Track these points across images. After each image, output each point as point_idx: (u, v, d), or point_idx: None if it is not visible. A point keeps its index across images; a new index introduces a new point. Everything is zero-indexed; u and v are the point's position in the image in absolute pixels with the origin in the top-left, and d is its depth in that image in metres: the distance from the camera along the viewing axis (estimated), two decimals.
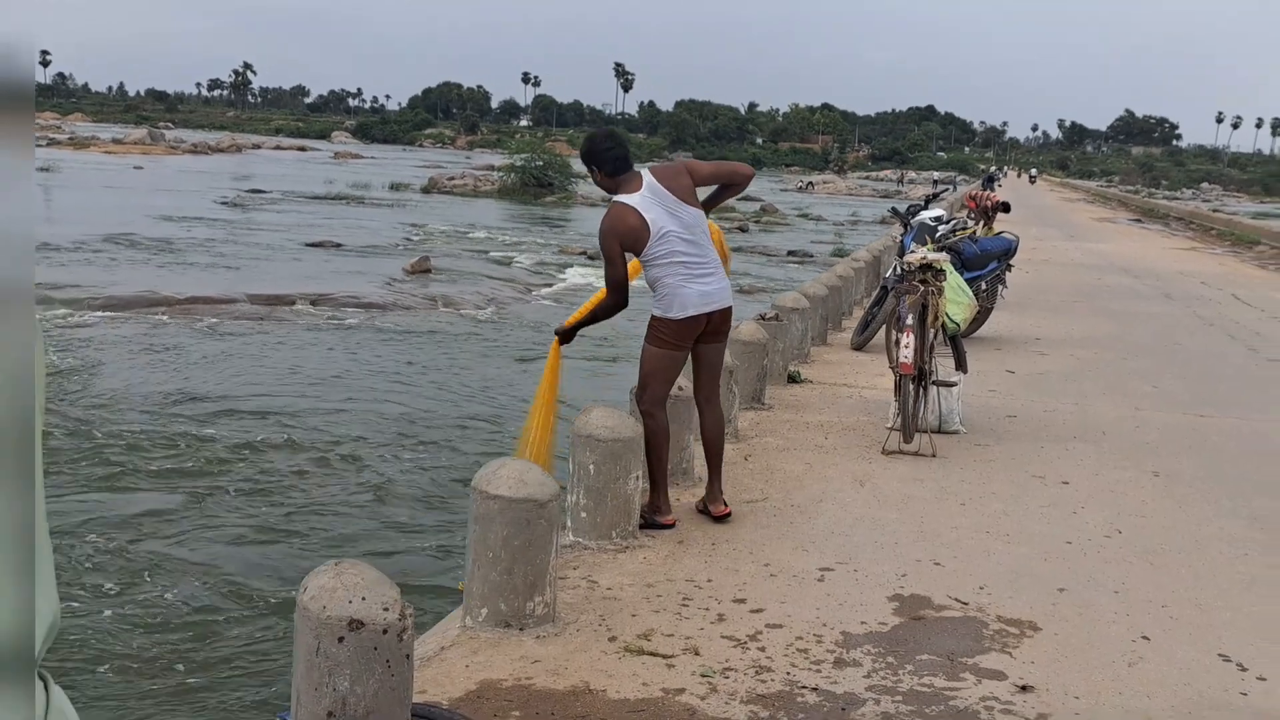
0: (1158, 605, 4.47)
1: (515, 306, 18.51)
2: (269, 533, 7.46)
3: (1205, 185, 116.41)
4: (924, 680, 3.72)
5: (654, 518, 5.07)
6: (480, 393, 11.95)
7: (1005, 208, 23.85)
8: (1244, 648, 4.11)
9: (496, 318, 17.16)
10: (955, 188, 41.07)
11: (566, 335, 5.43)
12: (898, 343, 6.51)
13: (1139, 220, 41.83)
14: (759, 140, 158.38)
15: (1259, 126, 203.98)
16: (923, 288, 6.63)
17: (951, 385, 6.99)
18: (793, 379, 8.59)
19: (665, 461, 5.15)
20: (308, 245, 25.14)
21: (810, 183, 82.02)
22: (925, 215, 13.47)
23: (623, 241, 4.95)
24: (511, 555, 3.93)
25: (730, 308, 5.13)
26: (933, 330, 6.87)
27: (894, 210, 11.66)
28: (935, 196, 14.05)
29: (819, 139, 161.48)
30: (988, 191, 24.31)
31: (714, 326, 5.07)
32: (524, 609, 3.96)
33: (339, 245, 25.62)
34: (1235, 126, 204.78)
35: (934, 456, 6.53)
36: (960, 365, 7.41)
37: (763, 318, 8.52)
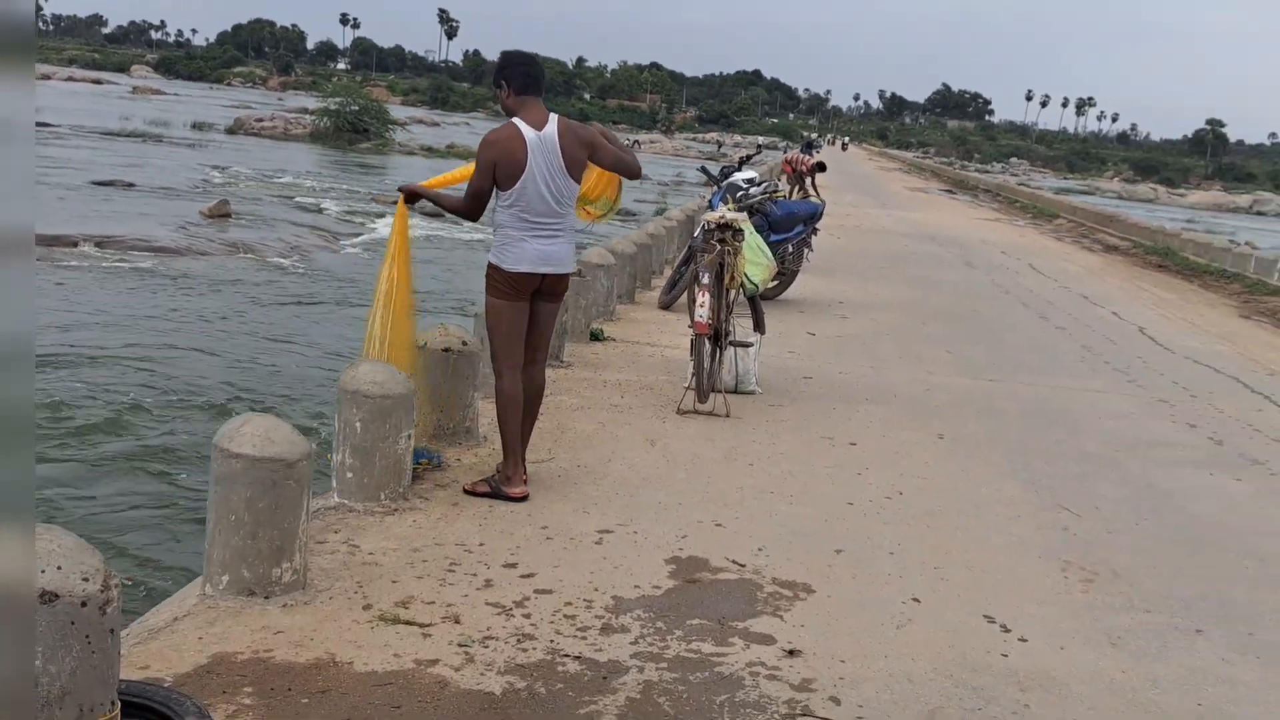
0: (931, 567, 4.49)
1: (321, 256, 17.74)
2: None
3: (1014, 160, 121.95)
4: (692, 646, 3.61)
5: (501, 488, 4.81)
6: (274, 344, 11.39)
7: (821, 167, 24.29)
8: (1009, 609, 4.15)
9: (300, 266, 16.42)
10: (760, 150, 41.58)
11: (411, 196, 5.08)
12: (693, 301, 6.40)
13: (950, 191, 43.39)
14: (586, 96, 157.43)
15: (1064, 106, 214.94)
16: (720, 247, 6.53)
17: (747, 346, 6.94)
18: (595, 336, 8.42)
19: (515, 426, 4.86)
20: (95, 184, 23.54)
21: (637, 141, 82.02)
22: (738, 177, 13.47)
23: (497, 163, 4.71)
24: (256, 518, 3.62)
25: (567, 275, 4.94)
26: (731, 291, 6.80)
27: (704, 170, 11.61)
28: (749, 159, 14.04)
29: (647, 98, 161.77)
30: (805, 155, 24.73)
31: (548, 287, 4.86)
32: (269, 575, 3.67)
33: (131, 185, 24.09)
34: (1044, 105, 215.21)
35: (727, 417, 6.47)
36: (758, 326, 7.38)
37: None
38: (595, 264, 9.11)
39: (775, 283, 11.17)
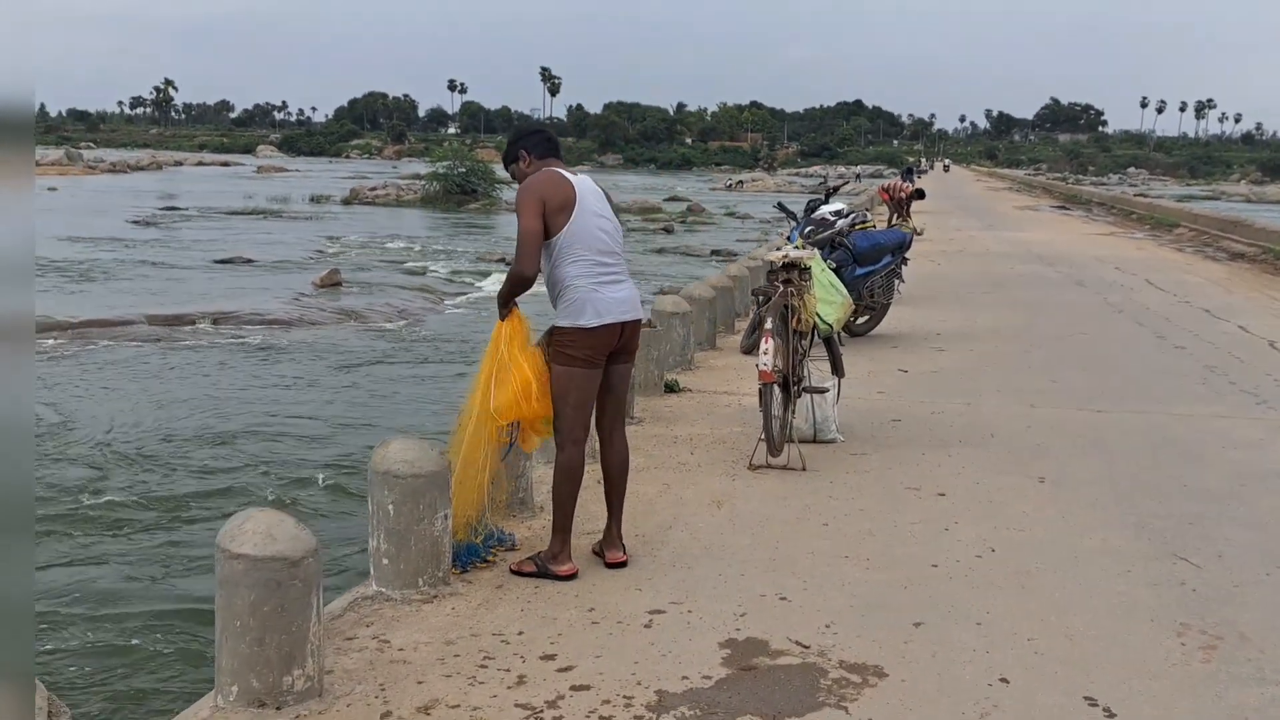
0: (1023, 639, 3.98)
1: (426, 317, 18.03)
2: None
3: (1132, 170, 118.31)
4: None
5: (548, 566, 4.48)
6: (367, 407, 11.34)
7: (919, 194, 23.68)
8: (1114, 687, 3.63)
9: (405, 330, 16.72)
10: (860, 178, 40.78)
11: (502, 309, 4.69)
12: (756, 348, 5.99)
13: (1063, 207, 42.00)
14: (688, 140, 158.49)
15: (1183, 110, 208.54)
16: (785, 288, 6.12)
17: (823, 392, 6.49)
18: (670, 389, 8.06)
19: (572, 504, 4.54)
20: (217, 262, 24.47)
21: (739, 181, 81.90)
22: (825, 209, 13.05)
23: (545, 200, 4.34)
24: (261, 623, 3.34)
25: (641, 320, 4.61)
26: (803, 334, 6.38)
27: (780, 206, 11.20)
28: (835, 190, 13.57)
29: (748, 137, 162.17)
30: (904, 183, 24.09)
31: (625, 341, 4.52)
32: (280, 684, 3.37)
33: (250, 261, 24.96)
34: (1160, 111, 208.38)
35: (803, 470, 6.03)
36: (836, 369, 6.93)
37: None
38: (670, 312, 8.78)
39: (866, 318, 10.71)
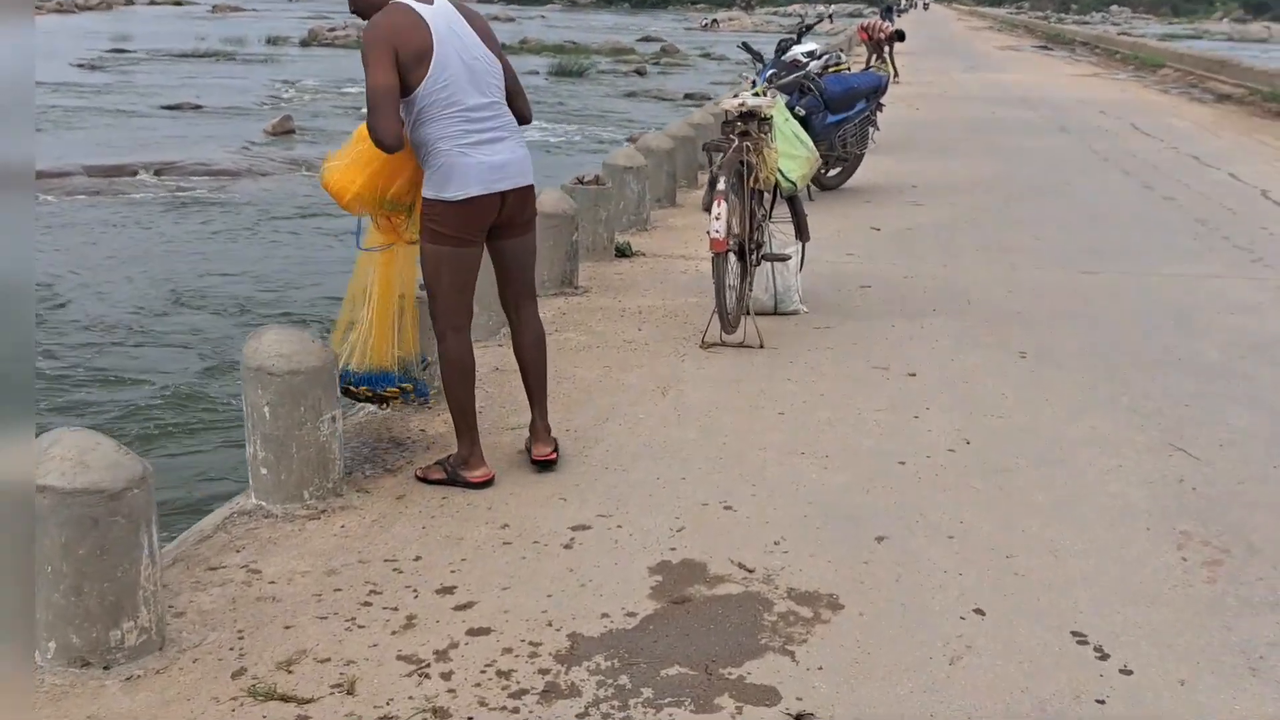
0: (1000, 556, 3.44)
1: None
2: None
3: (1114, 8, 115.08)
4: (662, 715, 2.65)
5: (459, 472, 3.87)
6: (319, 263, 10.62)
7: (899, 36, 22.51)
8: (1106, 618, 3.10)
9: None
10: (834, 18, 39.17)
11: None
12: (708, 211, 5.30)
13: (1045, 46, 40.65)
14: None
15: None
16: (739, 142, 5.39)
17: (784, 259, 5.83)
18: (621, 253, 7.38)
19: (469, 399, 3.88)
20: (164, 108, 23.17)
21: (714, 20, 79.18)
22: (797, 50, 12.16)
23: (395, 47, 3.56)
24: (77, 569, 2.74)
25: (530, 186, 3.83)
26: (759, 192, 5.69)
27: (745, 46, 10.31)
28: (808, 29, 12.62)
29: None
30: (883, 22, 22.93)
31: (509, 213, 3.77)
32: (106, 640, 2.79)
33: (199, 107, 23.67)
34: None
35: (761, 348, 5.41)
36: (800, 232, 6.24)
37: (579, 181, 7.25)
38: (622, 166, 8.04)
39: (837, 170, 9.99)
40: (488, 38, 3.75)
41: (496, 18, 73.91)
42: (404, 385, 4.23)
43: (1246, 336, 5.82)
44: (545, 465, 3.97)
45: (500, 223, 3.80)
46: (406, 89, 3.60)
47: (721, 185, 5.27)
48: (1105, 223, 8.77)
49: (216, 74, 31.88)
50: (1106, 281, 6.92)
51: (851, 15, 71.60)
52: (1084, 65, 30.26)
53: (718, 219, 5.17)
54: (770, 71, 9.04)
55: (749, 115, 5.60)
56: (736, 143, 5.38)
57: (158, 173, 15.57)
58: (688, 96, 27.97)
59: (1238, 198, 9.90)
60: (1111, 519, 3.70)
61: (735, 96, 5.75)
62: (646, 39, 51.92)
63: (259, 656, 2.87)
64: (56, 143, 17.88)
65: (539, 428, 4.03)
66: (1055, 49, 39.06)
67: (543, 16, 79.76)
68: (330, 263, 10.82)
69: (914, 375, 5.10)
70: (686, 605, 3.13)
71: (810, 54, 11.80)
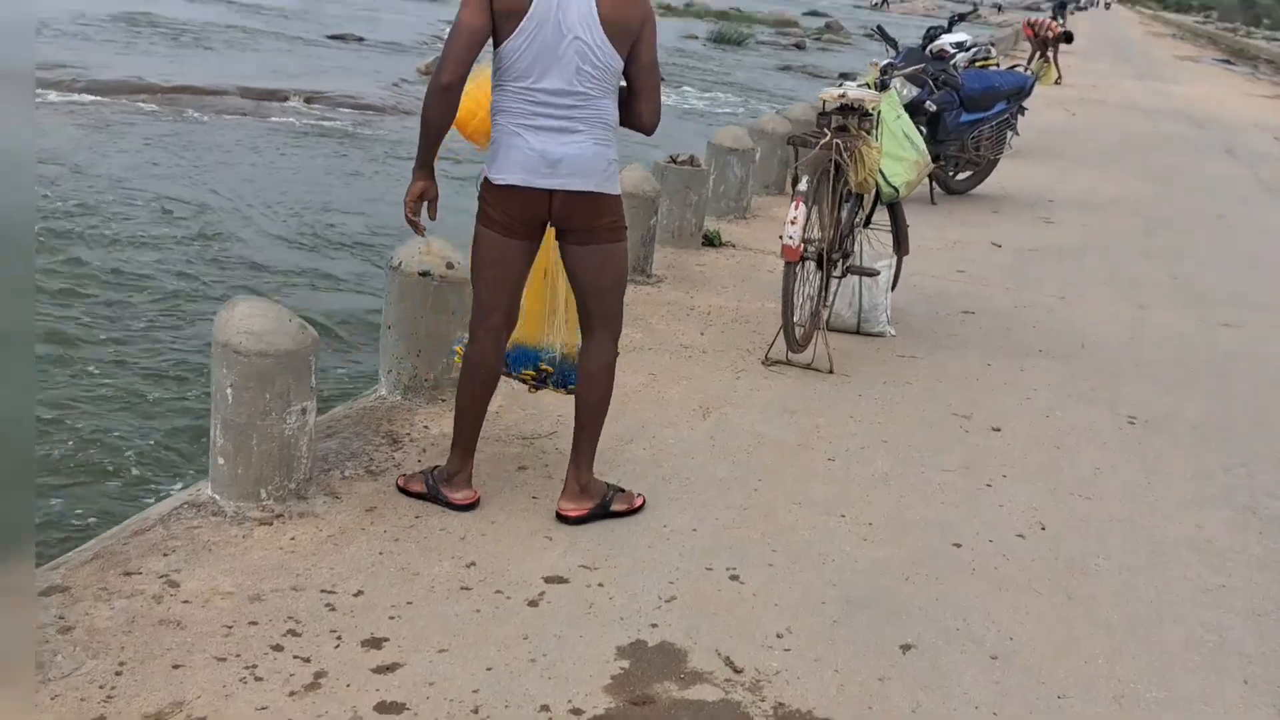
0: (1052, 693, 2.80)
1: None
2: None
3: None
4: None
5: (440, 489, 3.38)
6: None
7: (1068, 38, 21.25)
8: None
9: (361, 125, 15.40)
10: (1001, 8, 37.32)
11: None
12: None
13: (1227, 60, 38.24)
14: None
15: None
16: (831, 139, 4.74)
17: (871, 274, 5.18)
18: (709, 241, 6.79)
19: (474, 409, 3.37)
20: (330, 37, 23.40)
21: (886, 2, 77.16)
22: (946, 39, 11.38)
23: None
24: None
25: (589, 194, 3.17)
26: (856, 196, 5.05)
27: (880, 30, 9.54)
28: (961, 18, 11.75)
29: None
30: (1052, 21, 21.63)
31: (561, 218, 3.21)
32: None
33: (361, 39, 23.90)
34: None
35: (830, 373, 4.80)
36: (898, 244, 5.58)
37: (672, 160, 6.68)
38: (727, 148, 7.43)
39: (968, 174, 9.22)
40: (616, 23, 3.09)
41: None
42: (544, 368, 3.79)
43: None
44: (565, 521, 3.36)
45: (561, 226, 3.26)
46: (497, 40, 3.12)
47: (803, 186, 4.64)
48: (1259, 266, 7.84)
49: (381, 6, 32.04)
50: (1248, 339, 6.08)
51: (1027, 8, 68.93)
52: (1265, 84, 28.28)
53: (793, 223, 4.55)
54: (900, 61, 8.31)
55: (848, 109, 4.95)
56: (827, 138, 4.73)
57: (308, 100, 15.72)
58: (841, 75, 27.00)
59: None
60: (1200, 659, 3.02)
61: (839, 86, 5.09)
62: (813, 13, 50.62)
63: (127, 703, 2.42)
64: (222, 62, 18.11)
65: (572, 475, 3.40)
66: (1238, 64, 36.70)
67: None
68: (448, 211, 10.46)
69: (998, 430, 4.43)
70: (647, 708, 2.58)
71: (959, 45, 11.00)
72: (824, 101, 5.02)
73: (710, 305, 5.63)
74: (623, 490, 3.45)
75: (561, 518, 3.32)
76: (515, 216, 3.20)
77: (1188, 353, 5.73)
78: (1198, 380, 5.31)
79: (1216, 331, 6.16)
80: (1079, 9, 78.18)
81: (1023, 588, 3.27)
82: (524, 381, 3.87)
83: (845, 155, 4.75)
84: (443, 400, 4.06)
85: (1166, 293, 6.85)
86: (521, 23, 3.06)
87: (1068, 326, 5.92)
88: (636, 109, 3.26)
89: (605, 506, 3.36)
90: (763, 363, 4.84)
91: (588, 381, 3.38)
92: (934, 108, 8.34)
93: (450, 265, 3.99)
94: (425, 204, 3.29)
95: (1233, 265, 7.78)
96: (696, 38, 31.83)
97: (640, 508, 3.43)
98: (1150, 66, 29.63)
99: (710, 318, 5.43)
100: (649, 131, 3.31)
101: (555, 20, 3.06)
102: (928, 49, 11.38)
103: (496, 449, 3.74)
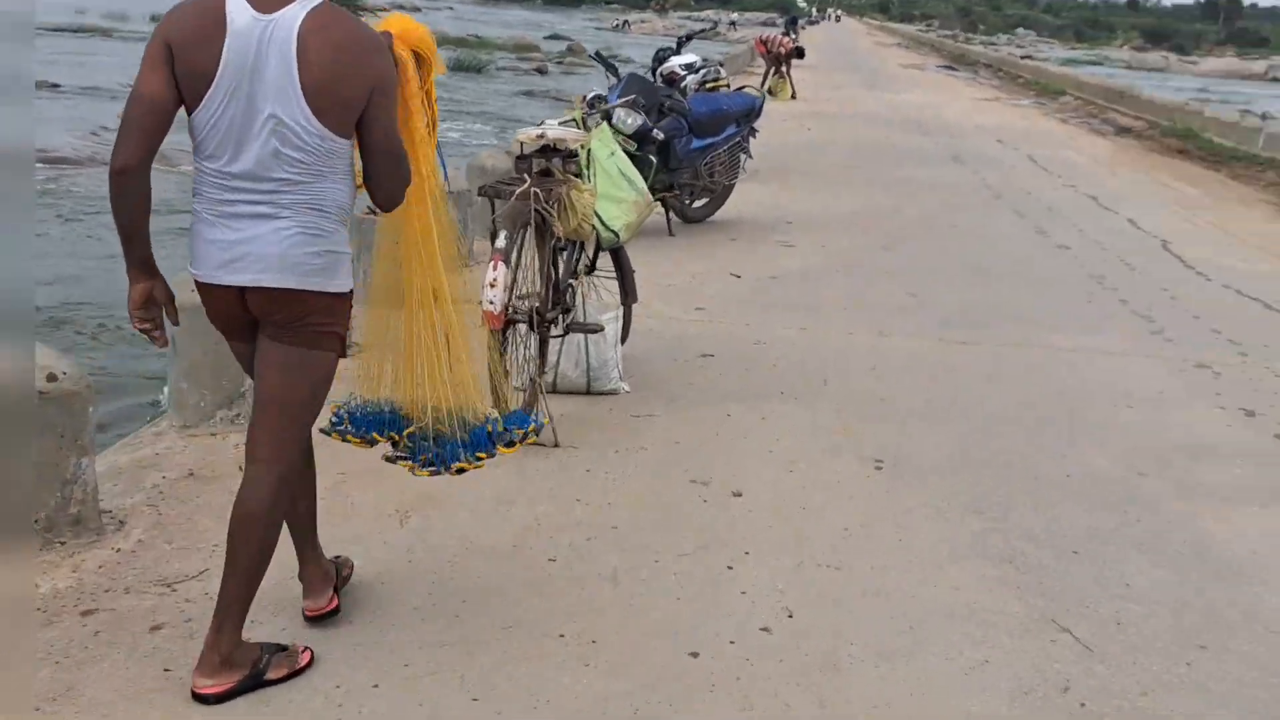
0: None
1: None
2: None
3: (1020, 30, 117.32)
4: None
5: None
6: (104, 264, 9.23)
7: (799, 53, 21.70)
8: None
9: None
10: (734, 25, 38.42)
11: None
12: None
13: (949, 67, 40.38)
14: None
15: None
16: (530, 184, 4.23)
17: (595, 330, 4.70)
18: None
19: (247, 572, 2.68)
20: None
21: (626, 21, 78.53)
22: (675, 61, 11.17)
23: (172, 45, 2.46)
24: None
25: (290, 293, 2.58)
26: (573, 244, 4.56)
27: (598, 57, 9.16)
28: (690, 38, 11.60)
29: None
30: (784, 37, 22.06)
31: (260, 314, 2.63)
32: None
33: (56, 85, 21.93)
34: None
35: (556, 447, 4.28)
36: (626, 292, 5.13)
37: (371, 211, 6.02)
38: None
39: (704, 201, 8.93)
40: (327, 94, 2.48)
41: (402, 6, 72.20)
42: (400, 438, 3.11)
43: (1146, 440, 4.86)
44: (202, 699, 2.62)
45: (261, 322, 2.66)
46: (188, 108, 2.51)
47: (501, 241, 4.12)
48: (991, 276, 7.83)
49: (86, 50, 29.93)
50: (986, 356, 5.94)
51: (763, 24, 71.36)
52: (986, 89, 29.84)
53: (492, 285, 4.02)
54: (619, 90, 7.96)
55: (550, 150, 4.46)
56: (525, 185, 4.22)
57: None
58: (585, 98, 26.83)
59: (1137, 249, 9.07)
60: None
61: (537, 126, 4.59)
62: (554, 37, 50.70)
63: None
64: None
65: (210, 643, 2.65)
66: (959, 70, 38.78)
67: (451, 9, 77.99)
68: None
69: (739, 495, 4.00)
70: None
71: (689, 66, 10.78)
72: (520, 144, 4.51)
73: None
74: (283, 648, 2.80)
75: (197, 697, 2.64)
76: (218, 318, 2.70)
77: (928, 378, 5.51)
78: (940, 410, 5.07)
79: (955, 351, 5.99)
80: (811, 23, 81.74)
81: (769, 700, 2.81)
82: (369, 445, 3.13)
83: (549, 203, 4.24)
84: (77, 537, 3.31)
85: (905, 314, 6.68)
86: (209, 92, 2.47)
87: (809, 362, 5.61)
88: (370, 187, 2.68)
89: (258, 676, 2.70)
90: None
91: (240, 525, 2.67)
92: (662, 136, 8.01)
93: (52, 377, 3.23)
94: (159, 308, 2.66)
95: (966, 278, 7.74)
96: None
97: (307, 666, 2.79)
98: (879, 77, 30.81)
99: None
100: (385, 210, 2.77)
101: (248, 92, 2.46)
102: (657, 71, 11.18)
103: (124, 603, 3.02)
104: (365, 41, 2.54)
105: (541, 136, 4.46)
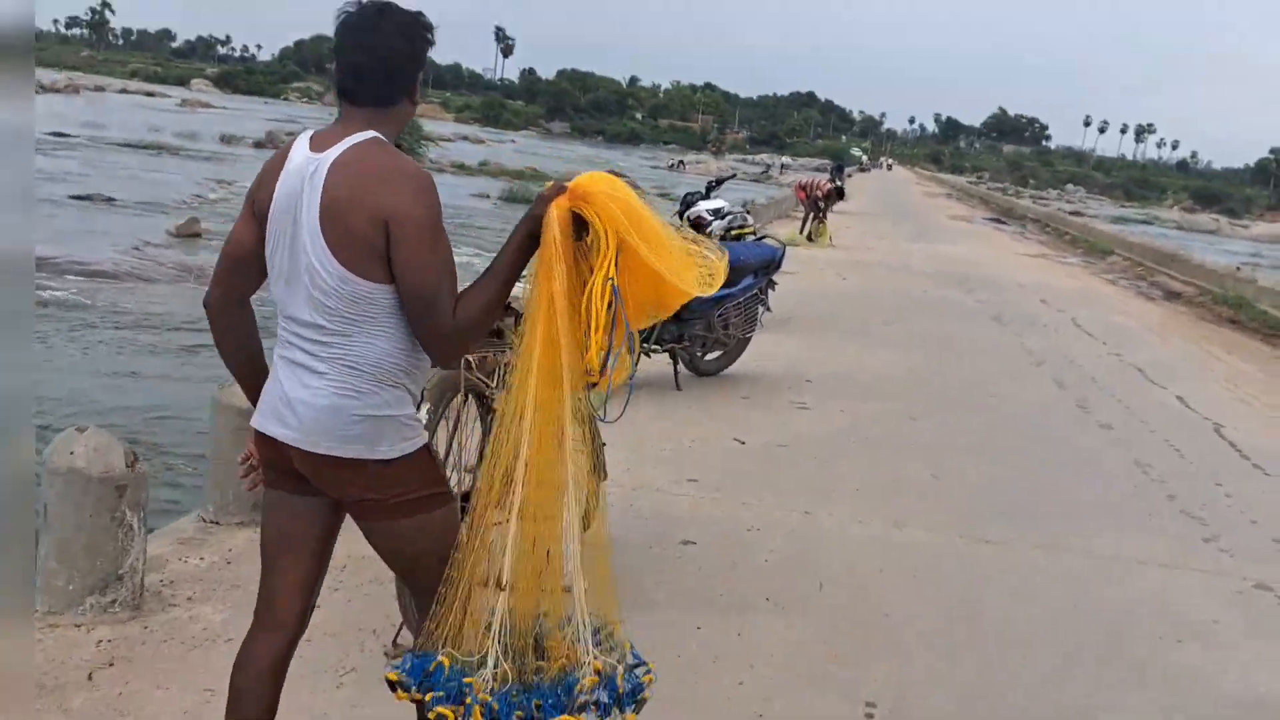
0: None
1: None
2: None
3: (1070, 186, 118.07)
4: None
5: None
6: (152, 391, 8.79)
7: (839, 194, 21.36)
8: None
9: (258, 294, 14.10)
10: (784, 169, 38.60)
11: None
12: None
13: (998, 220, 40.10)
14: (639, 115, 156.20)
15: (1123, 132, 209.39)
16: (468, 369, 3.61)
17: None
18: None
19: None
20: (73, 197, 21.63)
21: (681, 161, 79.76)
22: (703, 206, 10.77)
23: (255, 199, 2.46)
24: None
25: (331, 459, 2.38)
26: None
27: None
28: (720, 183, 11.20)
29: (698, 118, 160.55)
30: (824, 179, 21.73)
31: (312, 477, 2.46)
32: None
33: (111, 200, 22.29)
34: (1102, 131, 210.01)
35: None
36: (595, 469, 4.46)
37: None
38: None
39: (717, 354, 8.34)
40: (339, 228, 2.29)
41: (466, 138, 73.77)
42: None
43: (1196, 690, 4.07)
44: None
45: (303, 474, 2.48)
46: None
47: (421, 415, 3.48)
48: (1026, 457, 7.10)
49: (150, 167, 30.52)
50: (1015, 561, 5.18)
51: (816, 170, 72.07)
52: (1033, 244, 29.39)
53: None
54: None
55: (504, 307, 3.85)
56: (466, 362, 3.60)
57: None
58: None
59: (1187, 432, 8.30)
60: None
61: None
62: (613, 172, 51.28)
63: None
64: None
65: None
66: (1008, 223, 38.47)
67: (514, 141, 79.80)
68: (166, 394, 8.99)
69: None
70: None
71: (716, 211, 10.36)
72: None
73: (346, 556, 4.36)
74: None
75: None
76: (267, 467, 2.54)
77: (945, 588, 4.76)
78: (954, 637, 4.31)
79: (979, 551, 5.24)
80: (862, 170, 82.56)
81: None
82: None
83: (488, 370, 3.62)
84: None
85: (926, 500, 5.95)
86: (267, 233, 2.43)
87: (807, 557, 4.89)
88: (422, 341, 2.41)
89: None
90: (386, 653, 3.58)
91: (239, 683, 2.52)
92: None
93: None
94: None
95: (998, 460, 7.02)
96: (488, 196, 31.37)
97: None
98: (926, 227, 30.49)
99: (345, 574, 4.16)
100: (444, 365, 2.71)
101: (291, 232, 2.36)
102: (684, 215, 10.79)
103: None
104: (386, 172, 2.31)
105: None
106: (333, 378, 2.36)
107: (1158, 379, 10.42)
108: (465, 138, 74.92)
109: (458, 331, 2.34)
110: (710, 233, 9.80)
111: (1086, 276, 21.43)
